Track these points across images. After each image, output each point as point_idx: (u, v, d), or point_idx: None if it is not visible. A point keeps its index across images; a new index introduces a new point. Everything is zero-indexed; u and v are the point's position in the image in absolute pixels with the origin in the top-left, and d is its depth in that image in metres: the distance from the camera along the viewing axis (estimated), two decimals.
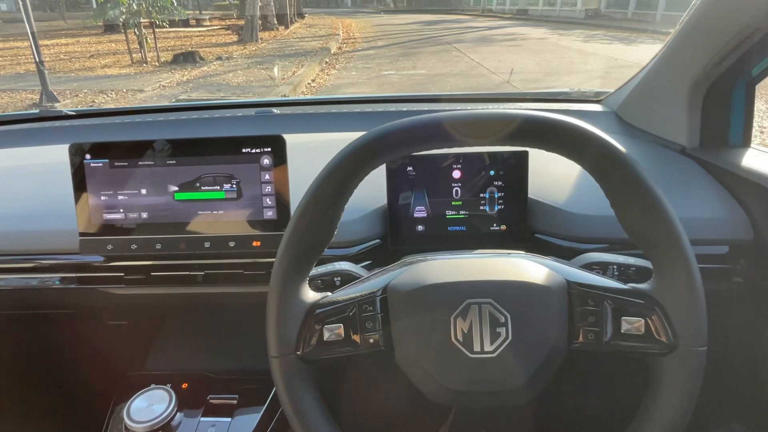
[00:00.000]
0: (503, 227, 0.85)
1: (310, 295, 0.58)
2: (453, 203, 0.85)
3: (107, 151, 0.79)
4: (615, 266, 0.67)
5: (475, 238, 0.85)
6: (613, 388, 0.88)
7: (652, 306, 0.54)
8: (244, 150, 0.79)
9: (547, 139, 0.52)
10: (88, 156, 0.79)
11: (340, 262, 0.72)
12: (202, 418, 0.80)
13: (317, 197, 0.54)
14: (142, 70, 8.35)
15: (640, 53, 8.34)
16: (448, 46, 10.61)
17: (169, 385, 0.81)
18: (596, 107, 1.19)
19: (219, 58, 9.27)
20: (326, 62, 8.81)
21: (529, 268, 0.57)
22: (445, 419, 1.22)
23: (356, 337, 0.56)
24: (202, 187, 0.80)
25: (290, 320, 0.56)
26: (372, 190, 0.87)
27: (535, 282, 0.55)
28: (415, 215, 0.85)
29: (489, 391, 0.54)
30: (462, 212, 0.85)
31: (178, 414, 0.79)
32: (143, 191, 0.80)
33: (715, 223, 0.81)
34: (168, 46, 10.54)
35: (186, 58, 8.92)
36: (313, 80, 7.25)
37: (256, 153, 0.79)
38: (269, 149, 0.79)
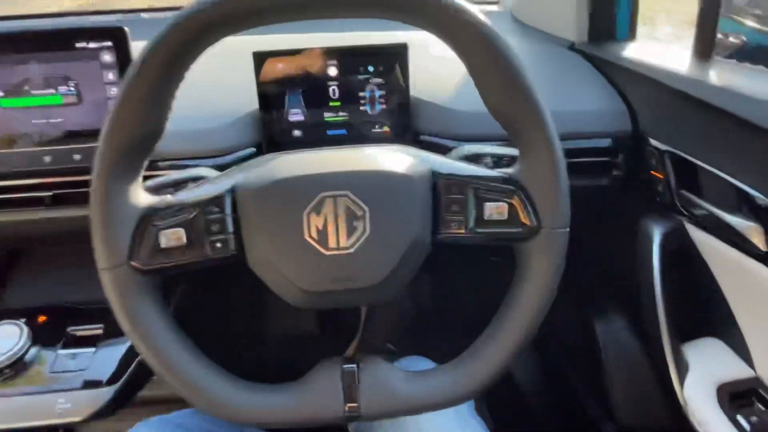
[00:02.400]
0: (386, 129, 0.79)
1: (143, 197, 0.50)
2: (331, 104, 0.78)
3: None
4: (489, 156, 0.64)
5: (356, 142, 0.79)
6: (488, 281, 0.89)
7: (515, 189, 0.51)
8: (78, 45, 0.68)
9: (403, 6, 0.46)
10: None
11: (199, 168, 0.65)
12: (61, 351, 0.73)
13: (140, 78, 0.45)
14: None
15: None
16: None
17: (23, 320, 0.73)
18: (492, 8, 1.14)
19: None
20: None
21: (391, 158, 0.52)
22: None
23: (201, 243, 0.50)
24: (33, 91, 0.68)
25: (120, 226, 0.48)
26: (242, 92, 0.79)
27: (397, 171, 0.51)
28: (291, 118, 0.78)
29: (349, 288, 0.51)
30: (341, 114, 0.78)
31: (33, 349, 0.71)
32: None
33: (599, 115, 0.80)
34: None
35: None
36: None
37: (94, 48, 0.68)
38: (110, 44, 0.68)
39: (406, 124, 0.79)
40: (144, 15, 1.14)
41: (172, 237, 0.49)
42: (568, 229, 0.51)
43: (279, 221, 0.50)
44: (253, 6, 0.45)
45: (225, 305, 0.94)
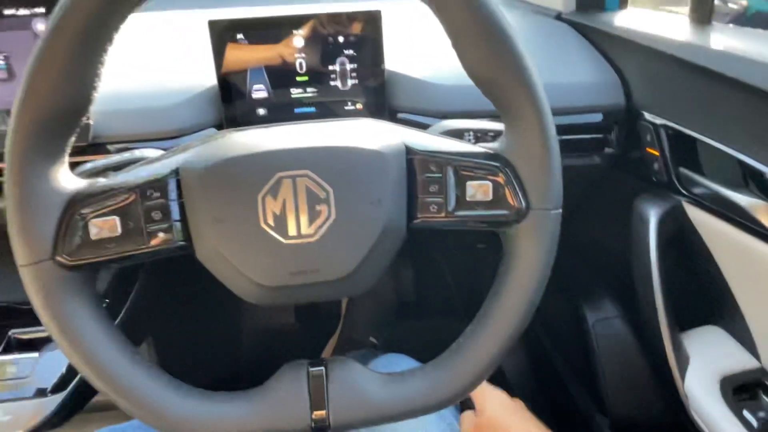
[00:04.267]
0: (359, 106, 0.73)
1: (70, 182, 0.43)
2: (298, 79, 0.71)
3: None
4: (471, 132, 0.58)
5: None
6: (474, 270, 0.83)
7: (501, 166, 0.45)
8: (6, 12, 0.60)
9: None
10: None
11: (145, 149, 0.57)
12: (1, 356, 0.66)
13: (59, 37, 0.38)
14: None
15: None
16: None
17: None
18: None
19: None
20: None
21: (360, 133, 0.46)
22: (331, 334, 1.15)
23: (139, 232, 0.43)
24: None
25: (41, 215, 0.41)
26: (200, 67, 0.71)
27: (365, 147, 0.44)
28: (254, 95, 0.70)
29: (313, 282, 0.44)
30: (309, 90, 0.71)
31: None
32: None
33: (589, 88, 0.74)
34: None
35: None
36: None
37: (24, 16, 0.60)
38: (43, 10, 0.60)
39: (381, 100, 0.72)
40: None
41: (104, 226, 0.42)
42: (560, 210, 0.45)
43: (230, 206, 0.43)
44: None
45: (189, 299, 0.87)
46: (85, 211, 0.42)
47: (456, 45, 0.43)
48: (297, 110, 0.72)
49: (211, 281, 0.46)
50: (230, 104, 0.70)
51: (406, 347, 0.74)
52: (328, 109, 0.72)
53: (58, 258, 0.42)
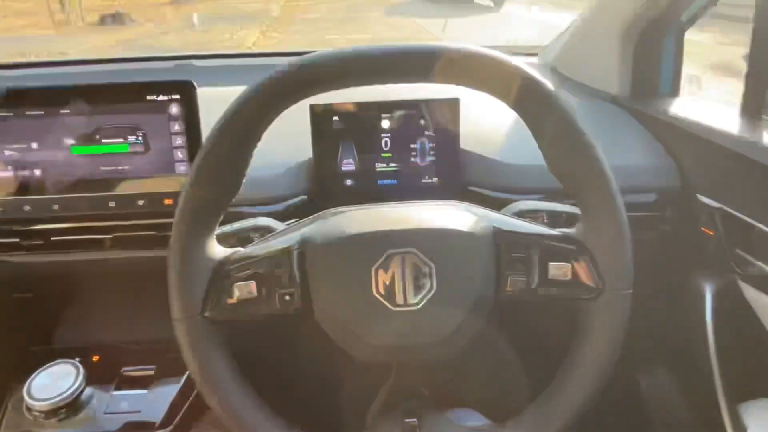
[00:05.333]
0: (436, 180, 0.81)
1: (218, 251, 0.52)
2: (383, 155, 0.80)
3: None
4: (545, 213, 0.65)
5: (406, 192, 0.81)
6: (543, 338, 0.88)
7: (579, 250, 0.52)
8: (149, 97, 0.71)
9: (468, 73, 0.48)
10: None
11: (260, 218, 0.67)
12: (115, 392, 0.74)
13: (220, 142, 0.48)
14: (65, 31, 7.73)
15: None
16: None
17: (77, 359, 0.74)
18: (532, 60, 1.16)
19: (151, 20, 8.70)
20: (267, 25, 8.45)
21: (455, 216, 0.54)
22: (382, 381, 1.20)
23: (271, 295, 0.51)
24: (103, 140, 0.72)
25: (195, 278, 0.50)
26: (297, 142, 0.81)
27: (461, 229, 0.52)
28: (343, 169, 0.80)
29: (414, 344, 0.51)
30: (392, 165, 0.80)
31: (88, 389, 0.72)
32: (34, 145, 0.71)
33: (643, 170, 0.81)
34: (95, 6, 9.78)
35: (114, 19, 8.33)
36: (253, 43, 6.94)
37: (163, 101, 0.72)
38: (178, 96, 0.71)
39: (456, 176, 0.81)
40: (195, 62, 1.19)
41: (244, 289, 0.51)
42: (631, 291, 0.51)
43: (347, 277, 0.51)
44: (328, 72, 0.47)
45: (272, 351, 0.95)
46: (229, 275, 0.51)
47: (541, 145, 0.51)
48: (380, 182, 0.81)
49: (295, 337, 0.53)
50: (322, 175, 0.80)
51: (457, 400, 0.79)
52: (407, 182, 0.81)
53: (206, 314, 0.50)
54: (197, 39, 6.96)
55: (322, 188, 0.80)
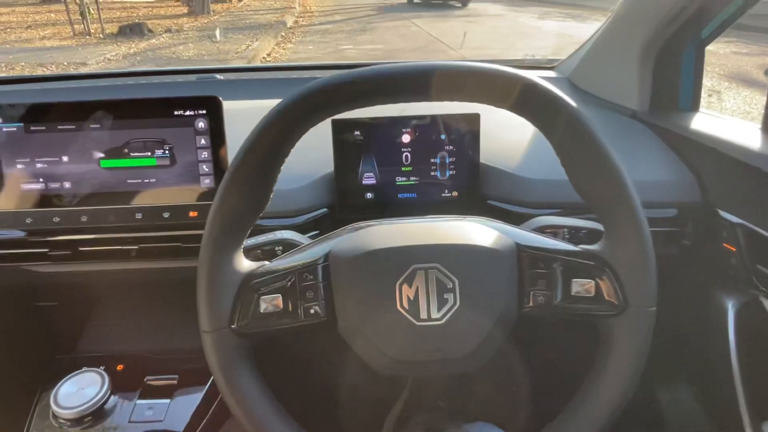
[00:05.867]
0: (455, 194, 0.82)
1: (245, 264, 0.53)
2: (403, 169, 0.81)
3: (20, 114, 0.71)
4: (566, 229, 0.65)
5: (426, 206, 0.82)
6: (565, 353, 0.88)
7: (602, 267, 0.52)
8: (176, 112, 0.73)
9: (496, 94, 0.49)
10: None
11: (283, 231, 0.68)
12: (139, 401, 0.75)
13: (249, 159, 0.49)
14: (84, 42, 7.88)
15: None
16: (406, 21, 10.46)
17: (102, 368, 0.76)
18: (549, 73, 1.17)
19: (168, 31, 8.85)
20: (282, 36, 8.55)
21: (478, 232, 0.54)
22: (400, 393, 1.20)
23: (296, 308, 0.52)
24: (131, 154, 0.74)
25: (223, 292, 0.51)
26: (318, 156, 0.83)
27: (484, 245, 0.53)
28: (364, 182, 0.81)
29: (437, 359, 0.52)
30: (412, 179, 0.81)
31: (113, 397, 0.74)
32: (65, 158, 0.73)
33: (664, 185, 0.81)
34: (113, 18, 9.97)
35: (133, 30, 8.46)
36: (268, 54, 7.02)
37: (189, 116, 0.73)
38: (204, 111, 0.73)
39: (475, 190, 0.82)
40: (218, 76, 1.21)
41: (271, 302, 0.52)
42: (655, 308, 0.51)
43: (371, 291, 0.52)
44: (357, 90, 0.48)
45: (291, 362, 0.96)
46: (256, 289, 0.52)
47: (565, 163, 0.52)
48: (401, 195, 0.82)
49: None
50: (343, 189, 0.81)
51: (473, 413, 0.79)
52: (427, 196, 0.82)
53: (234, 327, 0.51)
54: (213, 49, 7.05)
55: (342, 201, 0.81)
